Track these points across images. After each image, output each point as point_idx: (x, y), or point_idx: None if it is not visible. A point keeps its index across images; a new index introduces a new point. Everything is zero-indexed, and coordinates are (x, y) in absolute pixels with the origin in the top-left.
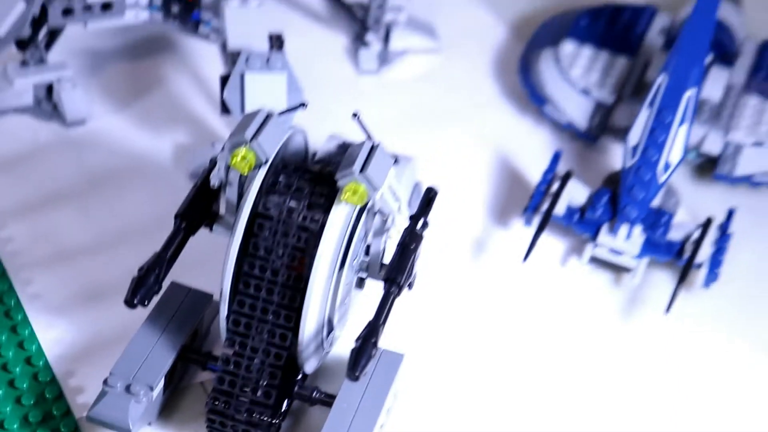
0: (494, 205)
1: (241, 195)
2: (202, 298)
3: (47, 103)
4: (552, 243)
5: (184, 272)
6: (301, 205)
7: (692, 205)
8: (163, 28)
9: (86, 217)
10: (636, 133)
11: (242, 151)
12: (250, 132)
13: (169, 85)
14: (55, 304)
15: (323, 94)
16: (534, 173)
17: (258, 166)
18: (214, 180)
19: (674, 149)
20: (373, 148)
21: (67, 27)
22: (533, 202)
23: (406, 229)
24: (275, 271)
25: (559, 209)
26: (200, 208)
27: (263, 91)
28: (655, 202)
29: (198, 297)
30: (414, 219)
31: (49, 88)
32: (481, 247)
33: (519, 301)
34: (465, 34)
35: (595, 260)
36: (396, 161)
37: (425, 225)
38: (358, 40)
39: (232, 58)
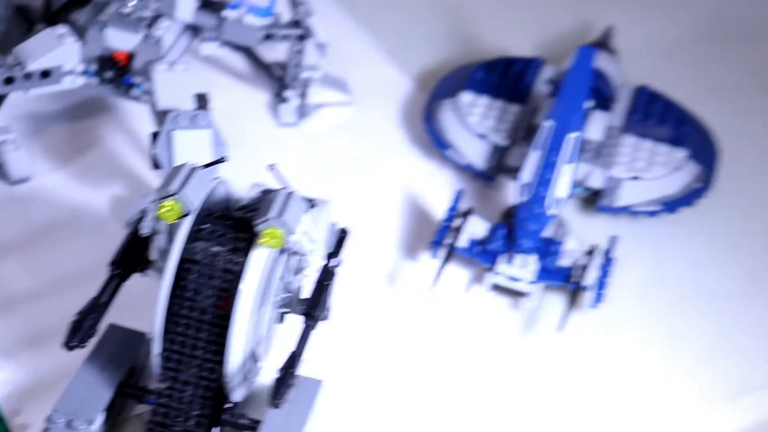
0: (404, 241)
1: (170, 242)
2: (138, 337)
3: None
4: (457, 272)
5: (121, 313)
6: (225, 249)
7: (580, 233)
8: (100, 91)
9: (30, 267)
10: (527, 173)
11: (168, 202)
12: (175, 185)
13: (107, 143)
14: (2, 348)
15: (248, 147)
16: (439, 211)
17: (184, 215)
18: (145, 229)
19: (560, 185)
20: (288, 195)
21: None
22: (438, 237)
23: (321, 267)
24: (203, 310)
25: (462, 242)
26: (132, 256)
27: (190, 146)
28: (547, 233)
29: (133, 336)
30: (328, 257)
31: None
32: (393, 278)
33: (428, 325)
34: (375, 87)
35: (496, 287)
36: (313, 205)
37: (338, 262)
38: (278, 97)
39: (161, 117)
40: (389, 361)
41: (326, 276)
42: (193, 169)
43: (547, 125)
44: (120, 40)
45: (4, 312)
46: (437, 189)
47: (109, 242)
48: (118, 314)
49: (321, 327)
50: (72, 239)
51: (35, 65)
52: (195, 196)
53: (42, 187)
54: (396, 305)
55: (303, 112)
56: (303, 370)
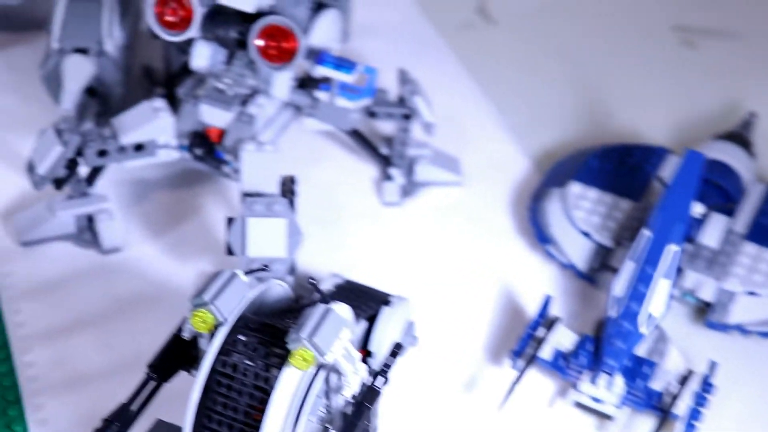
0: (491, 341)
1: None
2: None
3: (88, 232)
4: (542, 382)
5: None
6: (258, 364)
7: (684, 347)
8: (195, 165)
9: (105, 342)
10: (620, 285)
11: (201, 312)
12: (209, 294)
13: (204, 214)
14: (61, 429)
15: (345, 223)
16: (535, 311)
17: (218, 325)
18: (186, 333)
19: (656, 302)
20: (326, 312)
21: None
22: (520, 346)
23: (364, 385)
24: (231, 426)
25: (546, 354)
26: (172, 359)
27: (264, 234)
28: (642, 348)
29: None
30: (375, 375)
31: (91, 218)
32: (472, 384)
33: None
34: (489, 166)
35: (579, 405)
36: (388, 303)
37: (385, 382)
38: (384, 173)
39: (243, 199)
40: None
41: (369, 396)
42: (233, 277)
43: (645, 235)
44: (213, 116)
45: (69, 391)
46: (538, 285)
47: None
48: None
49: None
50: (152, 315)
51: (129, 138)
52: (229, 307)
53: (132, 258)
54: (472, 411)
55: (408, 190)
56: None
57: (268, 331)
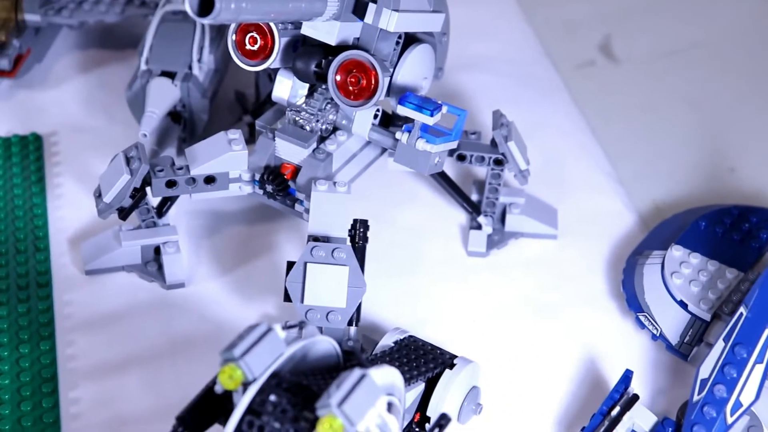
0: (566, 413)
1: None
2: None
3: (153, 263)
4: None
5: None
6: (285, 427)
7: None
8: (268, 201)
9: (154, 384)
10: (708, 366)
11: (229, 368)
12: (239, 350)
13: (276, 252)
14: None
15: (423, 273)
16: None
17: (247, 383)
18: (218, 387)
19: (747, 389)
20: (361, 378)
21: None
22: (591, 424)
23: None
24: None
25: None
26: (206, 412)
27: (324, 282)
28: None
29: None
30: None
31: (158, 249)
32: None
33: None
34: (589, 219)
35: None
36: (452, 365)
37: None
38: (472, 221)
39: (308, 241)
40: None
41: None
42: (268, 332)
43: (741, 313)
44: (289, 151)
45: None
46: (625, 356)
47: None
48: None
49: None
50: (205, 358)
51: (199, 170)
52: (260, 365)
53: (195, 294)
54: None
55: (496, 241)
56: None
57: (302, 393)
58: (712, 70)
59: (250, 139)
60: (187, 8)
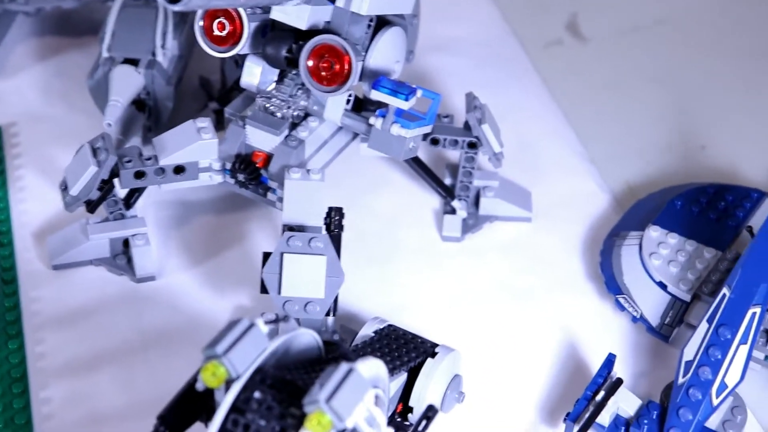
0: (548, 399)
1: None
2: None
3: (122, 256)
4: None
5: None
6: (271, 425)
7: (762, 416)
8: (239, 190)
9: (127, 381)
10: (692, 348)
11: (211, 365)
12: (222, 346)
13: (247, 242)
14: None
15: (399, 260)
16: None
17: (230, 380)
18: (199, 385)
19: (732, 370)
20: (348, 373)
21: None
22: (576, 410)
23: None
24: None
25: (604, 419)
26: (188, 410)
27: (301, 273)
28: (715, 419)
29: None
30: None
31: (126, 242)
32: None
33: None
34: (563, 201)
35: None
36: (433, 354)
37: None
38: (446, 205)
39: (284, 231)
40: None
41: None
42: (251, 327)
43: (724, 294)
44: (260, 139)
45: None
46: (605, 339)
47: None
48: None
49: None
50: (180, 353)
51: (168, 160)
52: (243, 362)
53: (166, 287)
54: None
55: (471, 225)
56: None
57: (287, 389)
58: (676, 45)
59: (218, 126)
60: None
